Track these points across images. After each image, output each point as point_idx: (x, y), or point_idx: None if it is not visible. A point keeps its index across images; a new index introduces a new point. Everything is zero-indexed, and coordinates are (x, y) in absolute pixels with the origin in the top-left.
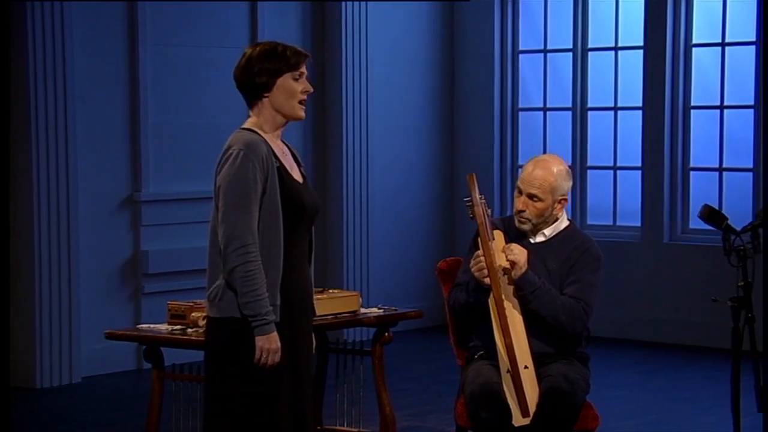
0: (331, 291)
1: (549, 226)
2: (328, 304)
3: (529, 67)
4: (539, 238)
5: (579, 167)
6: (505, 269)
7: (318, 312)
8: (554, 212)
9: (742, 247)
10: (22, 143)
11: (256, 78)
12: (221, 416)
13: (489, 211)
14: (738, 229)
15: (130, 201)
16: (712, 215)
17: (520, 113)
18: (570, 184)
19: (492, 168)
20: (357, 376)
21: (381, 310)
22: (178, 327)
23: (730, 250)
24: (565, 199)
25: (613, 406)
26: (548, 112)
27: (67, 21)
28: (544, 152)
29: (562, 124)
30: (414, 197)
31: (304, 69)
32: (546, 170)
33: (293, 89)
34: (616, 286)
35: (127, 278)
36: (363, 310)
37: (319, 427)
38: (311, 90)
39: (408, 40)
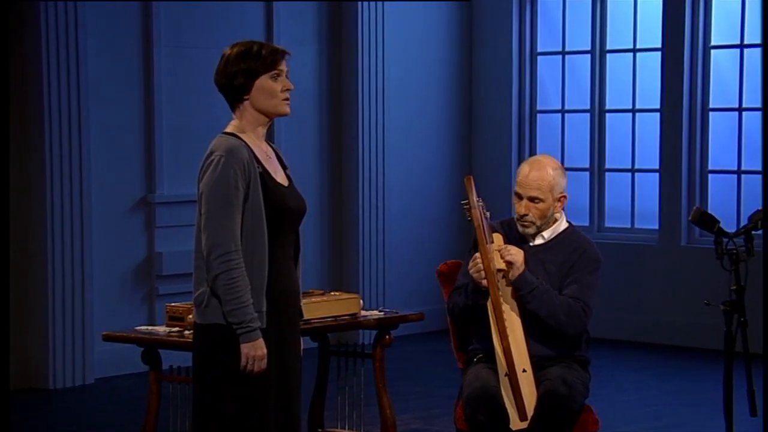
0: (332, 293)
1: (548, 228)
2: (328, 306)
3: (547, 68)
4: (538, 241)
5: (597, 169)
6: (502, 270)
7: (318, 314)
8: (554, 212)
9: (734, 251)
10: (37, 145)
11: (233, 81)
12: (209, 420)
13: (488, 214)
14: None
15: (144, 203)
16: (703, 218)
17: (538, 115)
18: (566, 181)
19: (509, 171)
20: (358, 378)
21: (381, 313)
22: (176, 329)
23: (722, 254)
24: (564, 197)
25: (623, 409)
26: (566, 114)
27: (81, 22)
28: (562, 155)
29: (580, 127)
30: (431, 200)
31: (283, 67)
32: (542, 170)
33: (272, 89)
34: (633, 288)
35: (141, 280)
36: (364, 313)
37: (320, 430)
38: (292, 88)
39: (425, 41)
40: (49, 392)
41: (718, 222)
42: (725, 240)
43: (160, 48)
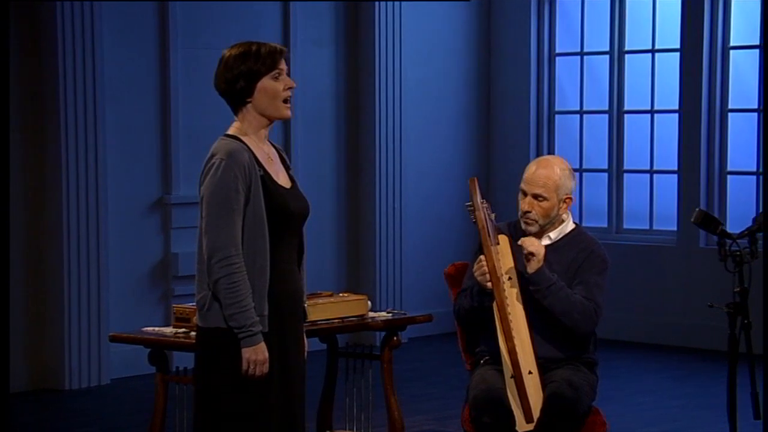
0: (340, 294)
1: (555, 228)
2: (335, 307)
3: (565, 69)
4: (545, 241)
5: (615, 171)
6: (524, 260)
7: (325, 316)
8: (560, 212)
9: (738, 253)
10: (53, 145)
11: (235, 84)
12: (211, 424)
13: (493, 215)
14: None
15: (160, 203)
16: (705, 220)
17: (557, 116)
18: (574, 183)
19: None
20: (366, 380)
21: (389, 314)
22: (182, 330)
23: (725, 256)
24: (570, 199)
25: (638, 412)
26: (585, 115)
27: (97, 22)
28: (581, 156)
29: (598, 127)
30: (448, 202)
31: (282, 65)
32: (549, 169)
33: (275, 89)
34: (652, 290)
35: (157, 280)
36: (372, 314)
37: (328, 431)
38: (294, 85)
39: (443, 42)
40: (65, 393)
41: (721, 224)
42: (728, 242)
43: (176, 49)
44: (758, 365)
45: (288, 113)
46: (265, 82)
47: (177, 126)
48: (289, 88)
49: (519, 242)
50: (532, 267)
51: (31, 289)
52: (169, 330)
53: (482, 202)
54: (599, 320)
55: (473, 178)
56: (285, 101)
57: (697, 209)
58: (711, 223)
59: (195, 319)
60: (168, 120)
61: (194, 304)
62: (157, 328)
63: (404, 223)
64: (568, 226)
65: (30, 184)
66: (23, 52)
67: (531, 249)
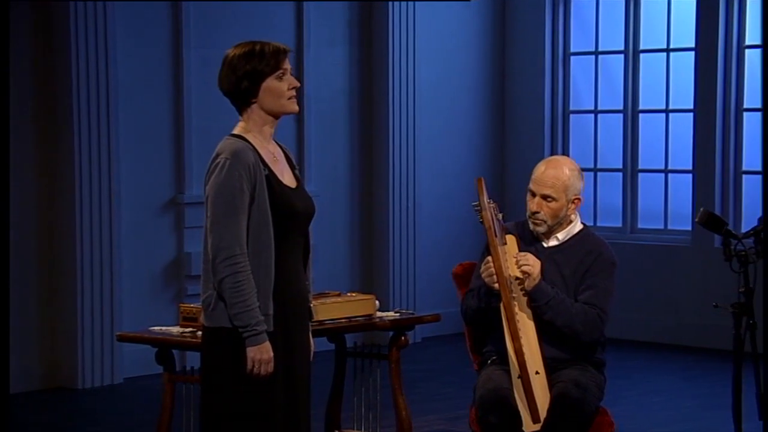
0: (348, 294)
1: (563, 229)
2: (343, 307)
3: (580, 69)
4: (552, 242)
5: (630, 170)
6: (518, 278)
7: (333, 315)
8: (568, 213)
9: (743, 253)
10: (66, 145)
11: (239, 85)
12: (216, 423)
13: (501, 215)
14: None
15: (173, 203)
16: (710, 220)
17: (571, 116)
18: (582, 184)
19: None
20: (374, 379)
21: (397, 314)
22: (189, 329)
23: (730, 256)
24: (579, 199)
25: (650, 412)
26: (599, 115)
27: (110, 22)
28: (595, 155)
29: (613, 127)
30: (462, 201)
31: (286, 65)
32: (558, 169)
33: (279, 90)
34: (666, 290)
35: (170, 280)
36: (379, 314)
37: (337, 431)
38: (298, 85)
39: (457, 41)
40: (77, 392)
41: (726, 224)
42: (734, 242)
43: (189, 49)
44: (757, 364)
45: (295, 108)
46: (270, 83)
47: (190, 126)
48: (293, 87)
49: (513, 256)
50: (528, 285)
51: (45, 289)
52: (176, 329)
53: (489, 202)
54: (605, 325)
55: (479, 178)
56: (289, 99)
57: (701, 209)
58: (716, 223)
59: (201, 319)
60: (181, 120)
61: (196, 304)
62: (164, 328)
63: (418, 223)
64: (576, 226)
65: (43, 184)
66: (37, 53)
67: (525, 268)
